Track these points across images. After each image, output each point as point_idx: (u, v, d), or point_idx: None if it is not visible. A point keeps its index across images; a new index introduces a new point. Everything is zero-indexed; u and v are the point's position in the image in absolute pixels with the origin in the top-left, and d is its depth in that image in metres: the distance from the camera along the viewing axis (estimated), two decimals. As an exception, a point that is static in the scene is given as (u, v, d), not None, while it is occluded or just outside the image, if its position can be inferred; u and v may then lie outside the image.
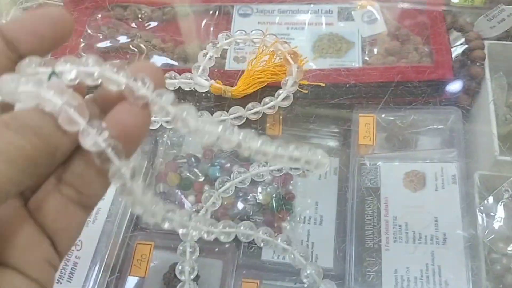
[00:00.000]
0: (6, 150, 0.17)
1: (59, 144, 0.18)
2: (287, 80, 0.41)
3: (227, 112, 0.43)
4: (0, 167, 0.16)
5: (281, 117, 0.52)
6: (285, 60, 0.42)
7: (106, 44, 0.52)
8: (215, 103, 0.46)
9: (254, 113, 0.42)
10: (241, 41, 0.45)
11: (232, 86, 0.44)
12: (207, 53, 0.44)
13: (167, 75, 0.44)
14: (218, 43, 0.44)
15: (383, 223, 0.44)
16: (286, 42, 0.44)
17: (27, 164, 0.17)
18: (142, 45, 0.52)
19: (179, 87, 0.45)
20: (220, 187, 0.41)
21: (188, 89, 0.45)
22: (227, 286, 0.44)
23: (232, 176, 0.44)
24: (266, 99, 0.42)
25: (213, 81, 0.44)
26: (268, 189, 0.48)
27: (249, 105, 0.43)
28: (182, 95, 0.46)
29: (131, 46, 0.51)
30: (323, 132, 0.54)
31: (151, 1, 0.54)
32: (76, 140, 0.18)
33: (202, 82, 0.43)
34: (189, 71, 0.47)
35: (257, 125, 0.51)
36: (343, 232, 0.46)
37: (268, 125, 0.53)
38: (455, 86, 0.49)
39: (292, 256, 0.37)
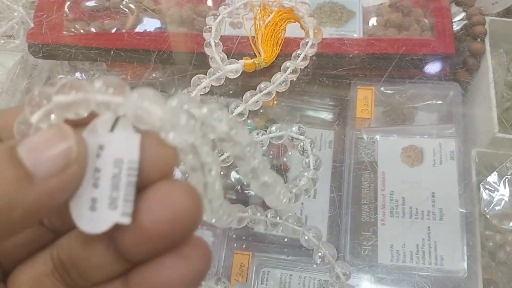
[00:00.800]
0: None
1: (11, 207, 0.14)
2: (307, 41, 0.39)
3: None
4: None
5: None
6: (300, 21, 0.40)
7: (93, 3, 0.49)
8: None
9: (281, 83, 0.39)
10: (242, 7, 0.42)
11: (230, 52, 0.42)
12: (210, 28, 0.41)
13: (193, 81, 0.39)
14: (219, 14, 0.42)
15: (380, 198, 0.43)
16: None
17: None
18: (132, 6, 0.49)
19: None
20: (220, 156, 0.39)
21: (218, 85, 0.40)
22: (219, 258, 0.43)
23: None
24: (287, 63, 0.39)
25: (241, 60, 0.40)
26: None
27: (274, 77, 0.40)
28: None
29: (121, 7, 0.48)
30: (318, 104, 0.52)
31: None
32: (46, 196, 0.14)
33: (233, 68, 0.39)
34: (184, 35, 0.44)
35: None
36: (338, 205, 0.45)
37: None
38: (455, 62, 0.48)
39: (306, 237, 0.36)
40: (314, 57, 0.42)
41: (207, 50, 0.39)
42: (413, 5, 0.49)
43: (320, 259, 0.36)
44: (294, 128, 0.39)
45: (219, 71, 0.38)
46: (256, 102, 0.39)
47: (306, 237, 0.36)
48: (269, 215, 0.36)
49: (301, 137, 0.39)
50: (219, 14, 0.42)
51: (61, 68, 0.52)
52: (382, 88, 0.47)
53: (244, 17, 0.44)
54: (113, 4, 0.49)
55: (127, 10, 0.48)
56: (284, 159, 0.47)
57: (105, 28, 0.48)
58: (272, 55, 0.40)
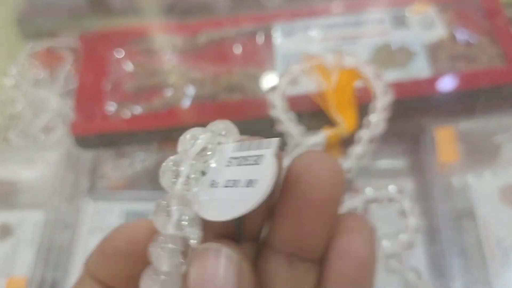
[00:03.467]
0: None
1: None
2: (376, 104, 0.35)
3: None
4: None
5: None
6: (368, 82, 0.36)
7: (135, 83, 0.47)
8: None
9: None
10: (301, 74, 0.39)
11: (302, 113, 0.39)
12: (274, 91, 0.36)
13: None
14: (288, 73, 0.38)
15: (487, 248, 0.39)
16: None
17: None
18: (178, 79, 0.46)
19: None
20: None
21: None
22: None
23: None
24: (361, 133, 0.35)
25: (322, 133, 0.35)
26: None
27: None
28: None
29: (167, 82, 0.46)
30: (386, 152, 0.48)
31: (181, 29, 0.48)
32: None
33: (315, 142, 0.34)
34: (236, 103, 0.41)
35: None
36: (437, 263, 0.40)
37: (327, 150, 0.48)
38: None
39: None
40: (393, 104, 0.38)
41: (279, 127, 0.35)
42: (474, 34, 0.46)
43: None
44: (390, 188, 0.35)
45: (299, 146, 0.34)
46: None
47: None
48: None
49: (397, 197, 0.35)
50: (279, 86, 0.38)
51: (106, 157, 0.49)
52: (460, 126, 0.43)
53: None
54: (157, 80, 0.46)
55: (172, 87, 0.46)
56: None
57: (154, 107, 0.45)
58: (353, 121, 0.36)
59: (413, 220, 0.34)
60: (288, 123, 0.34)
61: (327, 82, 0.37)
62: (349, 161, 0.35)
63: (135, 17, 0.56)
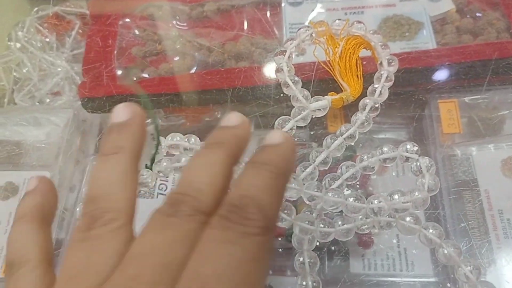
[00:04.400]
0: None
1: None
2: (381, 73, 0.35)
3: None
4: None
5: (342, 112, 0.47)
6: (374, 51, 0.36)
7: (143, 48, 0.47)
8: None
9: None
10: (308, 38, 0.38)
11: (308, 80, 0.39)
12: (284, 54, 0.36)
13: (277, 123, 0.34)
14: (296, 38, 0.37)
15: (489, 219, 0.39)
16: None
17: None
18: (185, 46, 0.46)
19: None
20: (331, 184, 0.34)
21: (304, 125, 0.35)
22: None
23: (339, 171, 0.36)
24: (366, 100, 0.35)
25: (327, 96, 0.35)
26: (345, 193, 0.43)
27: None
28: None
29: (174, 49, 0.46)
30: (389, 125, 0.49)
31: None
32: None
33: (320, 105, 0.34)
34: (243, 70, 0.41)
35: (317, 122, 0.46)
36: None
37: (328, 122, 0.48)
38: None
39: (425, 235, 0.31)
40: (400, 73, 0.38)
41: (285, 90, 0.35)
42: (482, 7, 0.46)
43: (445, 258, 0.31)
44: (408, 146, 0.34)
45: (304, 110, 0.34)
46: (339, 146, 0.35)
47: (426, 235, 0.31)
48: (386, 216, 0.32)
49: (415, 155, 0.34)
50: (286, 50, 0.38)
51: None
52: (465, 99, 0.43)
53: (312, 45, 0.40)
54: (164, 47, 0.46)
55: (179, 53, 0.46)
56: (370, 188, 0.44)
57: (160, 72, 0.45)
58: (358, 87, 0.36)
59: (429, 179, 0.33)
60: (294, 86, 0.34)
61: (333, 49, 0.37)
62: (352, 128, 0.35)
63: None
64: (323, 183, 0.34)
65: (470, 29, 0.44)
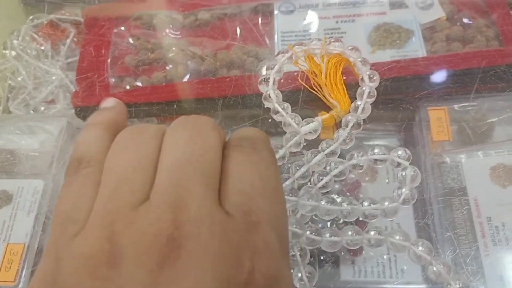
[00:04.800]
0: None
1: None
2: (363, 89, 0.35)
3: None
4: None
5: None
6: (353, 67, 0.37)
7: (136, 57, 0.47)
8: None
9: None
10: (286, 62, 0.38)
11: (297, 90, 0.39)
12: (268, 78, 0.36)
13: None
14: (287, 53, 0.37)
15: (477, 226, 0.40)
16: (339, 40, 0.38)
17: None
18: (178, 55, 0.46)
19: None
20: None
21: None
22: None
23: (328, 167, 0.36)
24: (348, 117, 0.35)
25: (318, 117, 0.35)
26: (338, 200, 0.44)
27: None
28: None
29: (167, 57, 0.46)
30: (380, 131, 0.49)
31: (182, 5, 0.49)
32: None
33: (311, 127, 0.34)
34: (235, 78, 0.42)
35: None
36: (429, 239, 0.41)
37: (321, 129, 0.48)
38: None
39: (415, 252, 0.31)
40: (389, 82, 0.38)
41: (275, 117, 0.35)
42: (471, 15, 0.46)
43: (434, 275, 0.31)
44: (400, 152, 0.34)
45: (296, 135, 0.34)
46: (319, 161, 0.34)
47: (416, 252, 0.32)
48: (372, 233, 0.32)
49: (406, 162, 0.34)
50: (270, 77, 0.36)
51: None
52: (455, 106, 0.44)
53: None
54: (157, 55, 0.46)
55: (172, 61, 0.46)
56: (361, 195, 0.44)
57: (153, 81, 0.45)
58: (346, 102, 0.37)
59: (408, 190, 0.33)
60: (284, 113, 0.35)
61: (317, 71, 0.38)
62: (334, 145, 0.35)
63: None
64: (312, 179, 0.34)
65: (459, 37, 0.45)
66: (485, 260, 0.38)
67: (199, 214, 0.18)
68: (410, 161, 0.34)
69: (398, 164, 0.34)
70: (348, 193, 0.43)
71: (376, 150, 0.34)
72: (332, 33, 0.46)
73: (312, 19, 0.47)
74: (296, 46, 0.37)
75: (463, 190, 0.41)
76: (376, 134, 0.49)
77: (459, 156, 0.43)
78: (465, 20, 0.46)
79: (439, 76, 0.41)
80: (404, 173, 0.33)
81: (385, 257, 0.41)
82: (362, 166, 0.34)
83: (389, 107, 0.45)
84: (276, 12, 0.49)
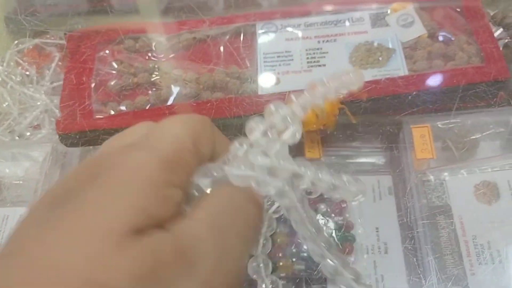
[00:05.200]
0: None
1: None
2: None
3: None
4: None
5: (319, 137, 0.48)
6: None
7: (119, 81, 0.47)
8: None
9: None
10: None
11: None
12: None
13: None
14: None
15: (463, 245, 0.39)
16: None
17: None
18: (161, 78, 0.47)
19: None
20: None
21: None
22: None
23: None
24: None
25: None
26: (321, 221, 0.44)
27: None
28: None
29: (150, 81, 0.46)
30: (366, 149, 0.49)
31: (166, 28, 0.49)
32: None
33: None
34: (218, 101, 0.42)
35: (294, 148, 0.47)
36: (414, 260, 0.41)
37: (306, 147, 0.48)
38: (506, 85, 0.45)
39: None
40: (368, 103, 0.39)
41: None
42: (453, 32, 0.46)
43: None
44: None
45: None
46: None
47: None
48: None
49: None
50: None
51: (92, 154, 0.49)
52: (438, 124, 0.44)
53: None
54: (141, 79, 0.46)
55: (154, 85, 0.46)
56: (347, 214, 0.44)
57: (137, 105, 0.45)
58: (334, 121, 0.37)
59: None
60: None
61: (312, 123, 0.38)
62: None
63: (128, 17, 0.57)
64: None
65: (441, 54, 0.45)
66: (471, 280, 0.38)
67: None
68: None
69: None
70: (333, 214, 0.43)
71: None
72: (314, 53, 0.46)
73: (294, 40, 0.48)
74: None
75: (448, 208, 0.41)
76: (362, 152, 0.49)
77: (443, 174, 0.43)
78: (447, 36, 0.46)
79: (420, 95, 0.41)
80: None
81: (372, 277, 0.41)
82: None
83: (375, 125, 0.45)
84: (259, 32, 0.49)
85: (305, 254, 0.41)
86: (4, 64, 0.52)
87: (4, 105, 0.51)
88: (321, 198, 0.44)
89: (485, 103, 0.40)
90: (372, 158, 0.48)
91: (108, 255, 0.14)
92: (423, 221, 0.41)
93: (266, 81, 0.45)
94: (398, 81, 0.40)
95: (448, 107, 0.41)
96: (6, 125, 0.50)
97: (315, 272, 0.41)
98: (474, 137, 0.44)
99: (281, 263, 0.41)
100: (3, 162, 0.45)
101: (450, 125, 0.44)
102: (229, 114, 0.40)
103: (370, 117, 0.41)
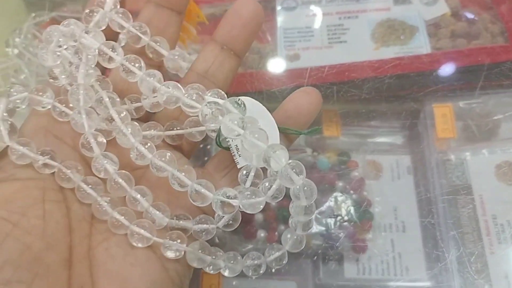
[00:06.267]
0: None
1: None
2: None
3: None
4: None
5: (338, 115, 0.47)
6: None
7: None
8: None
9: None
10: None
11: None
12: None
13: None
14: None
15: (482, 224, 0.39)
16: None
17: None
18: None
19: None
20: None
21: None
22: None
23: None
24: None
25: None
26: (340, 198, 0.43)
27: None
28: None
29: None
30: (385, 128, 0.49)
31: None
32: None
33: None
34: (237, 76, 0.41)
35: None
36: (432, 238, 0.41)
37: (324, 126, 0.47)
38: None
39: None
40: (392, 79, 0.38)
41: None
42: (476, 11, 0.46)
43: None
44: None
45: None
46: None
47: None
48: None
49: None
50: None
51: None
52: (460, 103, 0.43)
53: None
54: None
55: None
56: (365, 192, 0.44)
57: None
58: None
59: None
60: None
61: None
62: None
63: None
64: None
65: (464, 33, 0.44)
66: (490, 259, 0.38)
67: None
68: None
69: None
70: (352, 191, 0.43)
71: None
72: (335, 29, 0.46)
73: (314, 16, 0.47)
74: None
75: (468, 188, 0.41)
76: (381, 131, 0.49)
77: (464, 154, 0.42)
78: (471, 16, 0.45)
79: (443, 73, 0.41)
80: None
81: (389, 255, 0.41)
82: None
83: (393, 104, 0.45)
84: (278, 8, 0.48)
85: (323, 229, 0.41)
86: (22, 36, 0.52)
87: (22, 77, 0.50)
88: (339, 175, 0.44)
89: (510, 81, 0.40)
90: (390, 138, 0.48)
91: None
92: (443, 200, 0.41)
93: (286, 56, 0.45)
94: (423, 58, 0.40)
95: (472, 86, 0.41)
96: (23, 97, 0.49)
97: (333, 248, 0.41)
98: (496, 117, 0.44)
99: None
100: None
101: (472, 105, 0.44)
102: (251, 88, 0.40)
103: (392, 95, 0.41)
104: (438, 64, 0.40)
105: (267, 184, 0.24)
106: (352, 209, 0.42)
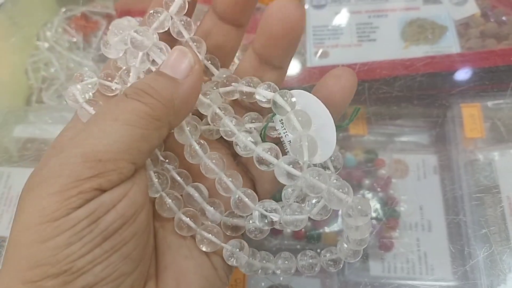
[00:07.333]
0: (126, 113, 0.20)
1: (173, 97, 0.21)
2: None
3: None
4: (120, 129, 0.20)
5: (365, 114, 0.48)
6: None
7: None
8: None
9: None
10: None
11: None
12: None
13: None
14: None
15: (510, 224, 0.39)
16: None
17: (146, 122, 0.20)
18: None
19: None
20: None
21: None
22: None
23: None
24: None
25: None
26: (367, 195, 0.44)
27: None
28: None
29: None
30: (411, 128, 0.49)
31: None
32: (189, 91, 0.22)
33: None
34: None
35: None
36: (459, 237, 0.41)
37: (350, 124, 0.48)
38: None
39: None
40: (423, 77, 0.38)
41: None
42: (506, 12, 0.45)
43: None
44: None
45: None
46: None
47: None
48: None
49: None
50: None
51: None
52: (488, 103, 0.43)
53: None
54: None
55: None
56: (391, 191, 0.44)
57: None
58: None
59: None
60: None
61: None
62: None
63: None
64: None
65: (494, 33, 0.44)
66: (518, 259, 0.38)
67: None
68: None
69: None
70: (379, 189, 0.43)
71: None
72: (364, 27, 0.46)
73: (344, 14, 0.47)
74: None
75: (496, 188, 0.41)
76: (407, 130, 0.49)
77: (492, 154, 0.42)
78: (500, 17, 0.45)
79: (474, 73, 0.41)
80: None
81: (415, 253, 0.41)
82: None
83: (423, 103, 0.45)
84: (307, 6, 0.48)
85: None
86: (53, 30, 0.53)
87: (52, 70, 0.51)
88: (365, 173, 0.44)
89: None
90: (417, 137, 0.48)
91: None
92: (470, 200, 0.41)
93: (314, 53, 0.45)
94: (455, 57, 0.40)
95: (503, 86, 0.41)
96: (53, 89, 0.50)
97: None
98: (524, 118, 0.44)
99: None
100: (53, 124, 0.46)
101: (500, 106, 0.43)
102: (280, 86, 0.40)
103: (423, 93, 0.41)
104: (470, 64, 0.40)
105: (314, 201, 0.23)
106: (378, 207, 0.42)
